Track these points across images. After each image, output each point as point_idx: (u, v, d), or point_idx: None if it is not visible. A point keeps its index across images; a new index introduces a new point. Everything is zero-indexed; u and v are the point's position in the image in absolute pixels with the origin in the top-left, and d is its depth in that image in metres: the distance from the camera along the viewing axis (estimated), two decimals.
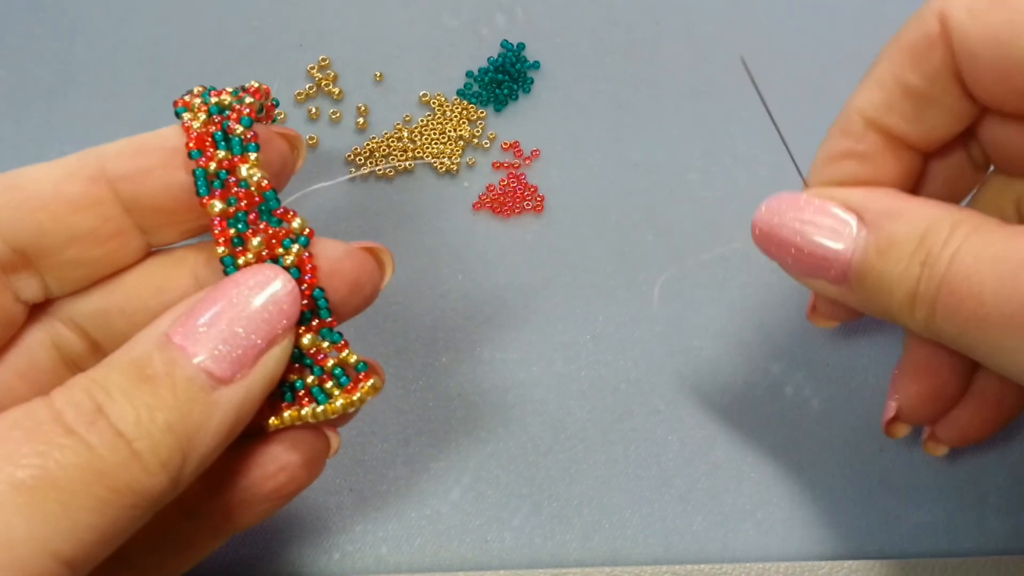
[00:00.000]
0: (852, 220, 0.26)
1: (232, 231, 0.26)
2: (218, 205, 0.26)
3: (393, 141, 0.41)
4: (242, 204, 0.26)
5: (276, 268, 0.25)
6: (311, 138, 0.41)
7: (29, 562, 0.20)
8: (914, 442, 0.36)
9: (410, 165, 0.41)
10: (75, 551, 0.20)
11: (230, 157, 0.26)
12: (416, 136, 0.42)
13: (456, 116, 0.42)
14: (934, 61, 0.25)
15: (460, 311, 0.38)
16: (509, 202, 0.40)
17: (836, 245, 0.26)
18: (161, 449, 0.22)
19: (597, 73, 0.42)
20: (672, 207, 0.40)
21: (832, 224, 0.26)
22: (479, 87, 0.42)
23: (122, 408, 0.21)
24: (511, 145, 0.41)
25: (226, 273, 0.26)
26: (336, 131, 0.42)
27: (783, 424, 0.37)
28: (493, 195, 0.40)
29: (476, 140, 0.42)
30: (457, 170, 0.41)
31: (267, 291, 0.24)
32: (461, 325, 0.38)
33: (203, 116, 0.26)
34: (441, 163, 0.41)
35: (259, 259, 0.26)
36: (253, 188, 0.26)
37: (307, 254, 0.26)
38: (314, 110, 0.42)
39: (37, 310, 0.26)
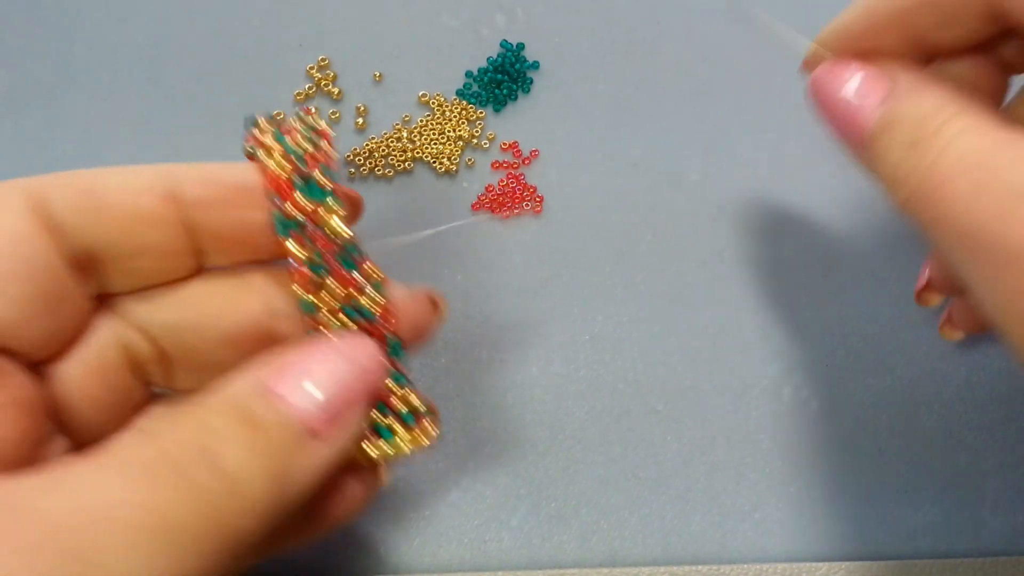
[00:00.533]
0: (882, 87, 0.26)
1: (311, 274, 0.27)
2: (297, 248, 0.26)
3: (392, 141, 0.41)
4: (322, 248, 0.27)
5: (367, 340, 0.27)
6: None
7: None
8: (914, 442, 0.36)
9: (409, 165, 0.41)
10: None
11: (311, 204, 0.27)
12: (415, 136, 0.42)
13: (455, 116, 0.42)
14: None
15: (459, 311, 0.38)
16: (508, 202, 0.40)
17: (861, 104, 0.26)
18: (263, 495, 0.22)
19: (597, 73, 0.42)
20: (672, 207, 0.40)
21: (865, 87, 0.26)
22: (478, 87, 0.42)
23: (231, 452, 0.22)
24: (510, 145, 0.41)
25: (305, 312, 0.27)
26: (336, 131, 0.42)
27: (782, 425, 0.37)
28: (492, 195, 0.40)
29: (475, 140, 0.41)
30: (456, 170, 0.41)
31: (362, 359, 0.26)
32: (460, 325, 0.38)
33: (278, 157, 0.27)
34: (440, 163, 0.41)
35: (338, 301, 0.27)
36: (336, 238, 0.27)
37: (384, 301, 0.28)
38: (314, 110, 0.42)
39: (108, 312, 0.27)
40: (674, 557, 0.34)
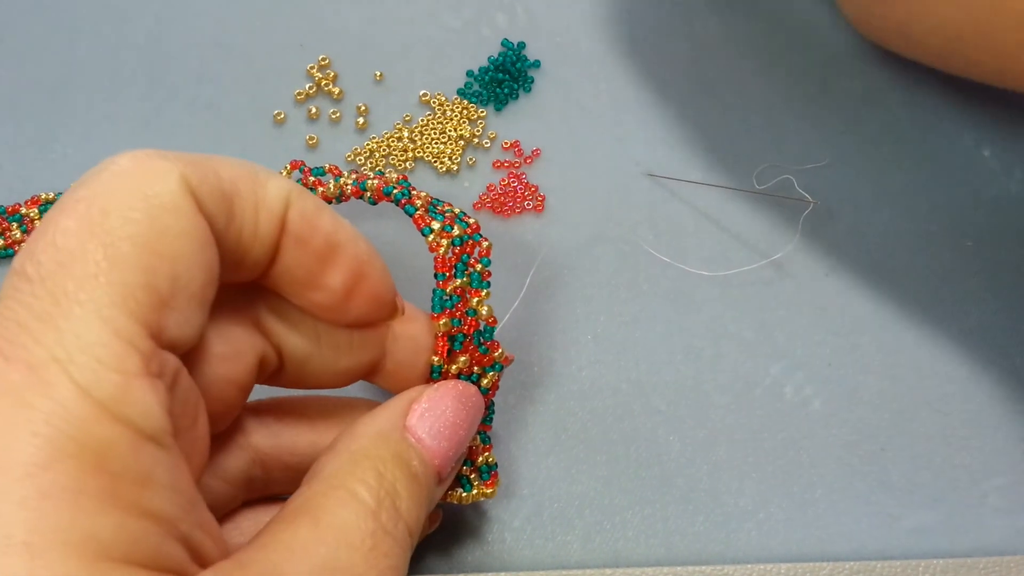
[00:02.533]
0: None
1: (449, 346, 0.29)
2: (446, 325, 0.29)
3: (393, 141, 0.41)
4: (465, 328, 0.29)
5: (475, 388, 0.28)
6: (311, 138, 0.41)
7: None
8: (915, 442, 0.36)
9: (410, 165, 0.41)
10: None
11: (467, 287, 0.29)
12: (416, 136, 0.42)
13: (456, 116, 0.42)
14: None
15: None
16: (510, 202, 0.40)
17: None
18: (416, 541, 0.24)
19: (598, 72, 0.42)
20: (673, 207, 0.40)
21: None
22: (479, 86, 0.42)
23: (408, 505, 0.24)
24: (512, 144, 0.41)
25: (432, 378, 0.29)
26: (336, 131, 0.42)
27: (784, 424, 0.37)
28: (493, 195, 0.40)
29: (476, 140, 0.41)
30: (457, 170, 0.41)
31: (476, 407, 0.28)
32: None
33: (447, 243, 0.29)
34: (441, 163, 0.41)
35: (461, 374, 0.29)
36: (480, 320, 0.29)
37: (497, 377, 0.30)
38: (314, 110, 0.42)
39: (251, 322, 0.27)
40: (677, 557, 0.34)
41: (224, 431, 0.27)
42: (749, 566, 0.34)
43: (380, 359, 0.28)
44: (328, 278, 0.25)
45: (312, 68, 0.42)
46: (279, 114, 0.42)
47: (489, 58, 0.42)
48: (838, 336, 0.38)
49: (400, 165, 0.41)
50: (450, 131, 0.41)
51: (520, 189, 0.40)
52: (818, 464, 0.36)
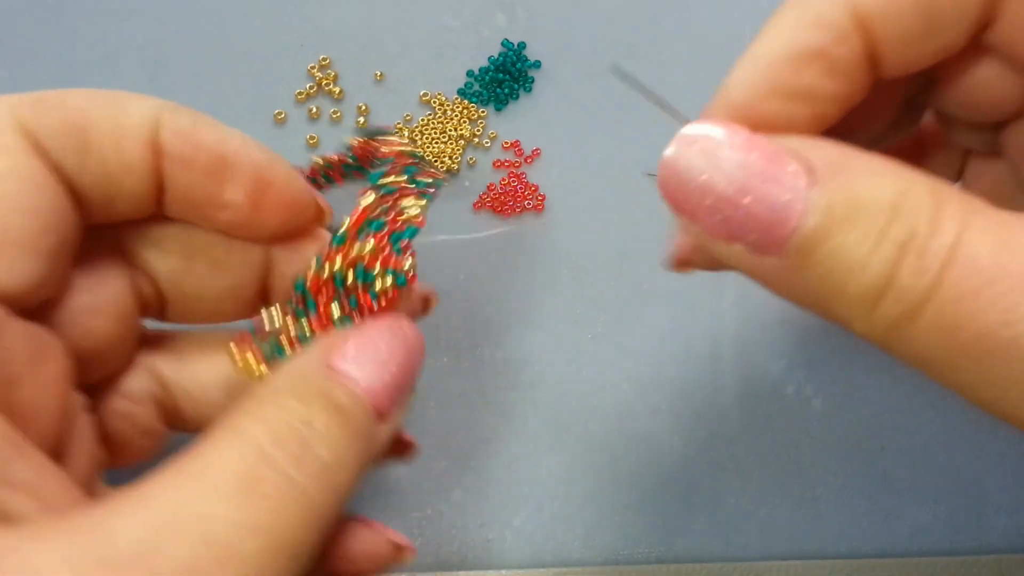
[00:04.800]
0: (797, 169, 0.18)
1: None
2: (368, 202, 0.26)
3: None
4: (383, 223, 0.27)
5: (402, 317, 0.25)
6: (311, 137, 0.41)
7: None
8: (917, 441, 0.36)
9: None
10: None
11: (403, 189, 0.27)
12: (417, 135, 0.42)
13: (457, 115, 0.42)
14: None
15: (461, 311, 0.38)
16: (510, 201, 0.40)
17: (784, 196, 0.18)
18: (353, 480, 0.22)
19: (598, 72, 0.42)
20: None
21: (776, 172, 0.19)
22: (480, 86, 0.42)
23: (325, 441, 0.21)
24: (512, 144, 0.41)
25: (333, 243, 0.26)
26: (337, 131, 0.42)
27: (784, 424, 0.37)
28: (494, 194, 0.40)
29: (477, 139, 0.41)
30: (458, 169, 0.41)
31: (403, 334, 0.24)
32: (462, 325, 0.38)
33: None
34: (442, 162, 0.41)
35: (355, 265, 0.26)
36: (405, 220, 0.27)
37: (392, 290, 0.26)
38: (315, 109, 0.42)
39: (118, 256, 0.26)
40: (678, 556, 0.34)
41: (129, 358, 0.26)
42: (750, 564, 0.34)
43: (267, 278, 0.27)
44: (227, 194, 0.24)
45: (313, 68, 0.42)
46: (280, 114, 0.42)
47: (489, 58, 0.42)
48: (839, 336, 0.38)
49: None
50: (450, 131, 0.42)
51: (520, 189, 0.40)
52: (818, 463, 0.36)
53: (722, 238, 0.19)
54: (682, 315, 0.38)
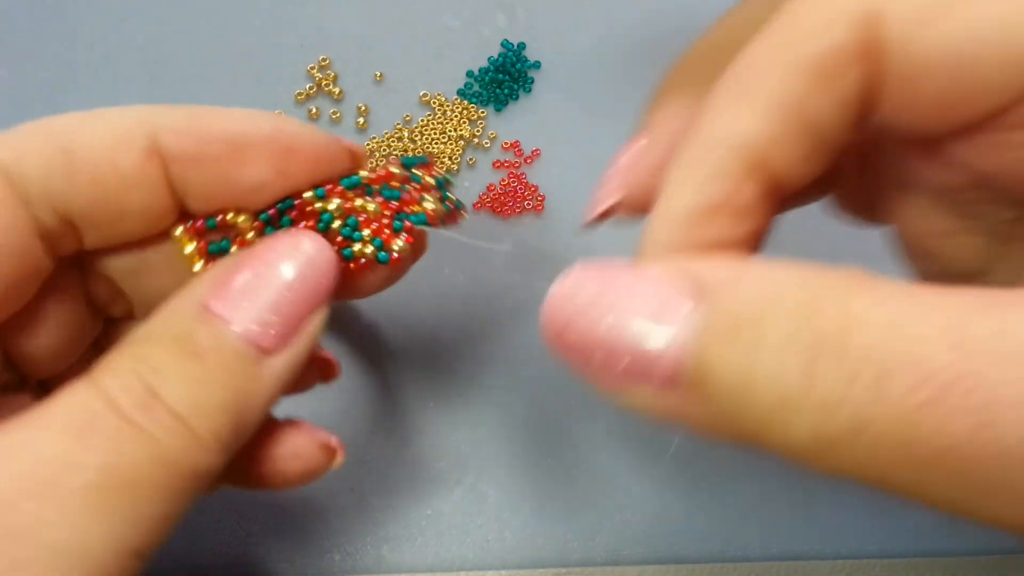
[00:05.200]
0: (677, 293, 0.17)
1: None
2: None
3: (393, 141, 0.41)
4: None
5: (309, 232, 0.24)
6: None
7: (108, 564, 0.19)
8: None
9: None
10: (146, 541, 0.20)
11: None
12: (416, 136, 0.42)
13: (456, 116, 0.42)
14: (850, 84, 0.19)
15: (461, 311, 0.38)
16: (510, 201, 0.40)
17: (662, 329, 0.17)
18: (218, 427, 0.21)
19: (598, 72, 0.42)
20: None
21: (658, 303, 0.17)
22: (479, 87, 0.42)
23: (176, 389, 0.21)
24: (511, 145, 0.41)
25: (342, 183, 0.25)
26: (336, 131, 0.42)
27: None
28: (494, 195, 0.40)
29: (476, 140, 0.41)
30: (458, 170, 0.41)
31: (304, 255, 0.23)
32: (463, 325, 0.38)
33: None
34: (442, 163, 0.41)
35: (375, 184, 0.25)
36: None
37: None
38: (314, 110, 0.42)
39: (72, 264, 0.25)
40: (678, 556, 0.34)
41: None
42: (750, 564, 0.34)
43: None
44: (251, 175, 0.23)
45: (312, 68, 0.42)
46: (279, 114, 0.42)
47: (489, 58, 0.42)
48: None
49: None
50: (450, 131, 0.42)
51: (520, 189, 0.40)
52: None
53: (619, 382, 0.18)
54: None
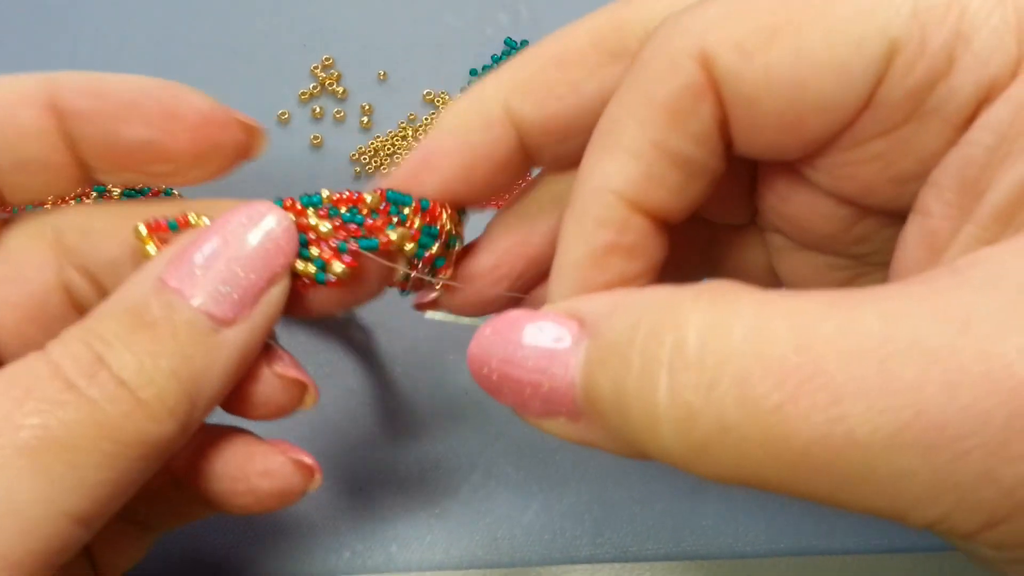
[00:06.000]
0: (569, 330, 0.19)
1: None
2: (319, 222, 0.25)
3: (397, 140, 0.41)
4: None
5: (269, 204, 0.24)
6: (315, 137, 0.41)
7: (40, 524, 0.19)
8: None
9: None
10: (87, 508, 0.20)
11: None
12: (421, 135, 0.42)
13: None
14: (703, 118, 0.20)
15: None
16: (509, 197, 0.40)
17: (553, 366, 0.19)
18: (167, 396, 0.21)
19: None
20: None
21: (549, 340, 0.19)
22: None
23: (123, 357, 0.21)
24: None
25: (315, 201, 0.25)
26: (340, 130, 0.42)
27: None
28: None
29: None
30: None
31: (262, 227, 0.23)
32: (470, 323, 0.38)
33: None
34: None
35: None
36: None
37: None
38: (318, 109, 0.42)
39: (48, 251, 0.25)
40: (686, 552, 0.34)
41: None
42: (758, 560, 0.34)
43: None
44: (136, 132, 0.24)
45: (316, 68, 0.42)
46: (283, 114, 0.42)
47: (492, 57, 0.42)
48: None
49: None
50: None
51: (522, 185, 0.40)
52: None
53: (536, 414, 0.20)
54: None
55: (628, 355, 0.17)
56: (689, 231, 0.26)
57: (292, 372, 0.25)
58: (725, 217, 0.26)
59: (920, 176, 0.19)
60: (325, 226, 0.24)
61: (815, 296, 0.16)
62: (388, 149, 0.41)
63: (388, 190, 0.25)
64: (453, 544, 0.35)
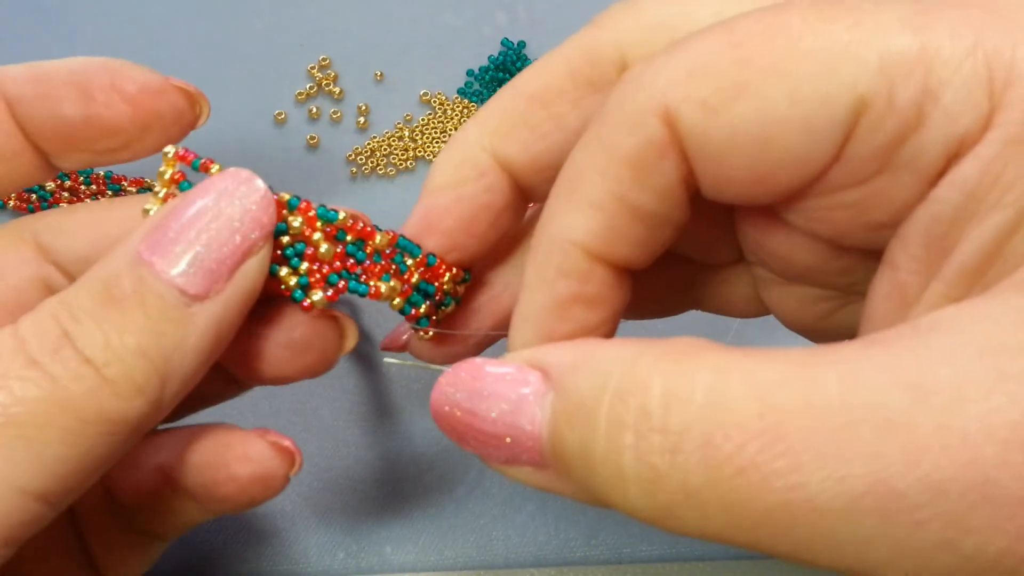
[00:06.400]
0: (533, 382, 0.19)
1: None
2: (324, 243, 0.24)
3: (394, 140, 0.41)
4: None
5: (248, 172, 0.23)
6: (312, 137, 0.41)
7: (2, 499, 0.19)
8: None
9: (411, 164, 0.41)
10: (48, 485, 0.20)
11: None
12: (417, 135, 0.42)
13: (457, 115, 0.42)
14: (665, 173, 0.20)
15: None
16: None
17: (519, 418, 0.19)
18: (135, 373, 0.21)
19: None
20: None
21: (513, 391, 0.19)
22: (480, 86, 0.42)
23: (89, 333, 0.21)
24: None
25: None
26: (337, 131, 0.42)
27: None
28: None
29: None
30: None
31: (237, 197, 0.22)
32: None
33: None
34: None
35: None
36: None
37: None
38: (315, 110, 0.42)
39: (25, 248, 0.26)
40: (681, 554, 0.34)
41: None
42: (752, 562, 0.34)
43: None
44: (80, 109, 0.24)
45: (313, 68, 0.42)
46: (280, 114, 0.42)
47: (490, 57, 0.42)
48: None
49: (401, 164, 0.41)
50: (451, 130, 0.42)
51: None
52: None
53: (500, 462, 0.20)
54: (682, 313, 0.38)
55: (595, 416, 0.17)
56: (674, 267, 0.26)
57: (273, 436, 0.26)
58: (710, 258, 0.26)
59: (893, 225, 0.19)
60: (325, 247, 0.24)
61: (776, 357, 0.16)
62: (384, 150, 0.41)
63: (401, 236, 0.25)
64: (447, 545, 0.35)
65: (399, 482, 0.36)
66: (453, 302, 0.26)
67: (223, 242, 0.22)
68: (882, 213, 0.19)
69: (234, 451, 0.25)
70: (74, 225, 0.26)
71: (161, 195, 0.24)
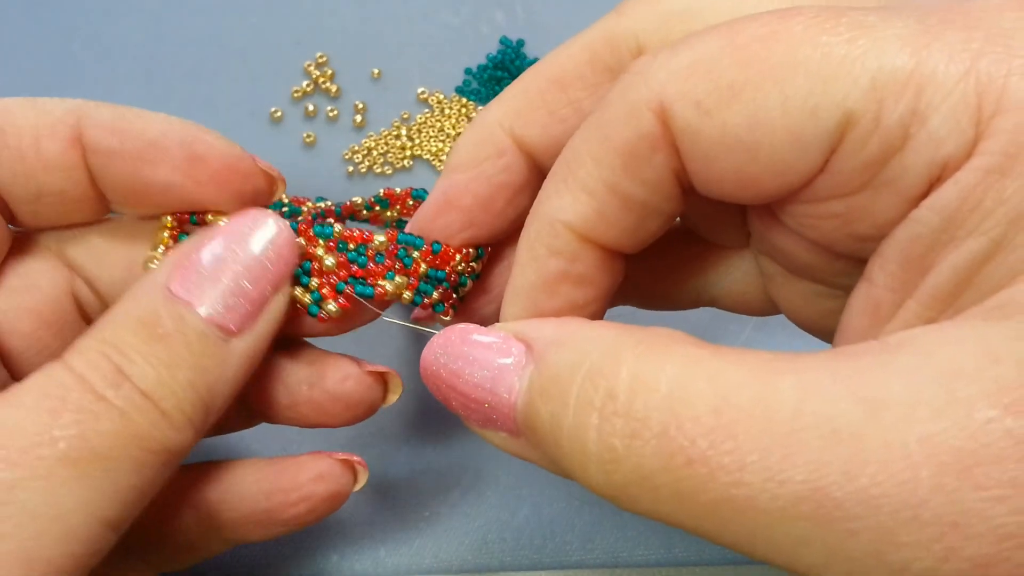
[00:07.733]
0: (516, 353, 0.20)
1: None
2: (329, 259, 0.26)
3: (391, 139, 0.41)
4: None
5: (269, 212, 0.25)
6: (308, 135, 0.41)
7: (79, 529, 0.20)
8: None
9: (409, 163, 0.41)
10: (119, 512, 0.21)
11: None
12: (415, 134, 0.41)
13: (455, 113, 0.42)
14: (656, 166, 0.20)
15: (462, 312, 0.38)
16: None
17: (498, 385, 0.20)
18: (186, 405, 0.22)
19: None
20: None
21: (495, 359, 0.20)
22: (478, 84, 0.42)
23: (142, 369, 0.22)
24: None
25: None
26: (334, 129, 0.42)
27: None
28: None
29: None
30: None
31: (264, 235, 0.24)
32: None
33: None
34: (440, 161, 0.41)
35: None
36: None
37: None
38: (311, 108, 0.41)
39: (54, 259, 0.26)
40: (677, 558, 0.34)
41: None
42: (747, 567, 0.34)
43: None
44: (162, 176, 0.24)
45: (309, 65, 0.42)
46: (276, 112, 0.41)
47: (488, 56, 0.42)
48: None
49: (398, 163, 0.41)
50: (448, 129, 0.41)
51: None
52: None
53: (478, 425, 0.21)
54: (681, 315, 0.38)
55: (567, 393, 0.18)
56: (684, 249, 0.27)
57: (341, 455, 0.28)
58: (721, 239, 0.26)
59: (877, 239, 0.19)
60: (329, 260, 0.25)
61: (743, 358, 0.17)
62: (381, 148, 0.41)
63: (400, 233, 0.26)
64: (442, 548, 0.35)
65: (394, 485, 0.35)
66: (470, 280, 0.27)
67: (255, 282, 0.23)
68: (866, 227, 0.19)
69: (308, 472, 0.27)
70: (104, 243, 0.26)
71: (160, 252, 0.25)
